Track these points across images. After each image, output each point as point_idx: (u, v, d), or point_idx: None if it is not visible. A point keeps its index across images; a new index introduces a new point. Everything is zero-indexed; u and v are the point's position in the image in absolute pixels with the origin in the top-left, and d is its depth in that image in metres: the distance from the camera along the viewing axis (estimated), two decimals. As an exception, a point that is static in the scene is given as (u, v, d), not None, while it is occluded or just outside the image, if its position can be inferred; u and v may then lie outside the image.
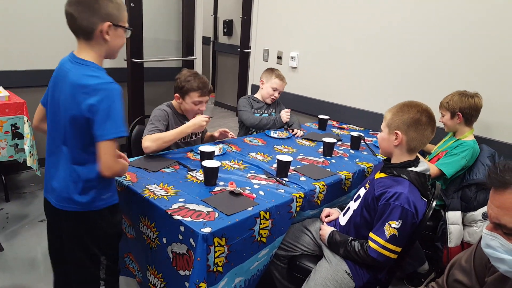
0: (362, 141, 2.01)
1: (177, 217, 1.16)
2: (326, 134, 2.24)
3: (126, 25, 1.13)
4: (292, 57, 2.87)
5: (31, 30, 2.63)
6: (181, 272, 1.18)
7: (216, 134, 1.95)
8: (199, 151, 1.58)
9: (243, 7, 4.80)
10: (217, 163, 1.41)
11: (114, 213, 1.21)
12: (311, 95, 2.81)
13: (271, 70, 2.30)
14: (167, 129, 1.73)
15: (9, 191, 2.46)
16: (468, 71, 2.04)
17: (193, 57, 3.52)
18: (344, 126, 2.52)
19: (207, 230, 1.10)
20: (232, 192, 1.35)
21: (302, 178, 1.55)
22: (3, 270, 1.79)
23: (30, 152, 2.15)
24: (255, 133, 2.30)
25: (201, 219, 1.16)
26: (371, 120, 2.47)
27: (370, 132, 2.42)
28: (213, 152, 1.58)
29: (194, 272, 1.11)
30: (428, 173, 1.34)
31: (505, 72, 1.92)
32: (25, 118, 2.19)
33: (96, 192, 1.13)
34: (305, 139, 2.14)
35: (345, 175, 1.65)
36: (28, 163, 2.16)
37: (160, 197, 1.28)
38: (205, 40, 5.06)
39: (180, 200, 1.27)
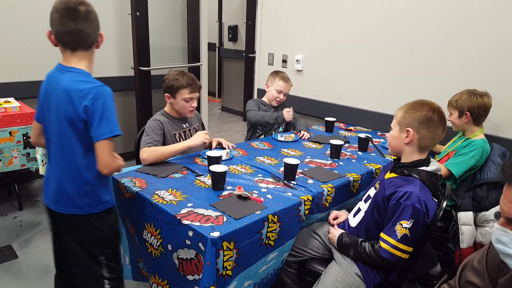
0: (370, 142, 2.00)
1: (186, 221, 1.17)
2: (333, 136, 2.23)
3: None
4: (297, 60, 2.88)
5: (40, 41, 2.69)
6: (189, 277, 1.19)
7: (214, 144, 1.92)
8: (206, 156, 1.59)
9: (248, 12, 4.84)
10: (224, 167, 1.42)
11: (111, 214, 1.28)
12: (317, 98, 2.81)
13: (275, 73, 2.32)
14: (164, 138, 1.76)
15: (22, 200, 2.51)
16: (478, 69, 2.02)
17: (199, 64, 3.55)
18: (352, 127, 2.50)
19: (216, 234, 1.11)
20: (240, 196, 1.35)
21: (310, 181, 1.55)
22: (17, 277, 1.83)
23: (42, 160, 2.20)
24: (262, 136, 2.31)
25: (210, 224, 1.17)
26: (378, 121, 2.46)
27: (378, 133, 2.40)
28: (221, 157, 1.59)
29: (204, 276, 1.11)
30: (439, 173, 1.33)
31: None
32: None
33: (97, 195, 1.20)
34: (312, 141, 2.14)
35: (354, 177, 1.64)
36: (41, 172, 2.20)
37: (169, 202, 1.29)
38: (211, 46, 5.11)
39: (189, 205, 1.28)
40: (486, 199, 1.67)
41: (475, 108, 1.78)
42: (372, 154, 1.97)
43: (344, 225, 1.50)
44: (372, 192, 1.41)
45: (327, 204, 1.53)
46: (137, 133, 1.99)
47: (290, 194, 1.41)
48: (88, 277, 1.28)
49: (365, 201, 1.43)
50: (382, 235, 1.27)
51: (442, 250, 1.84)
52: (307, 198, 1.40)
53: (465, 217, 1.70)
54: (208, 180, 1.47)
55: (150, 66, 3.10)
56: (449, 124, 1.85)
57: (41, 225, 2.31)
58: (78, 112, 1.11)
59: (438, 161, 1.93)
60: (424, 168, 1.30)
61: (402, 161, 1.36)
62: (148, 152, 1.61)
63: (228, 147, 1.88)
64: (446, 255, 1.82)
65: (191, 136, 1.90)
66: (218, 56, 5.79)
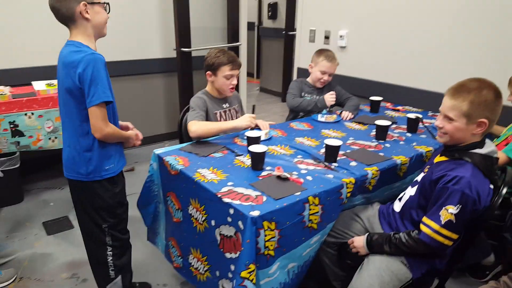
0: (420, 123, 1.86)
1: (226, 199, 1.20)
2: (379, 116, 2.11)
3: (102, 0, 1.26)
4: (340, 36, 2.73)
5: (33, 28, 2.62)
6: (227, 255, 1.22)
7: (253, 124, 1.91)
8: (245, 137, 1.59)
9: (288, -13, 4.66)
10: (263, 147, 1.41)
11: (115, 184, 1.35)
12: (362, 76, 2.66)
13: (320, 52, 2.20)
14: (206, 115, 1.79)
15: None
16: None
17: (238, 43, 3.53)
18: (400, 107, 2.35)
19: (255, 213, 1.12)
20: (279, 177, 1.34)
21: (353, 163, 1.49)
22: (73, 244, 2.02)
23: (49, 138, 2.26)
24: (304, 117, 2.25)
25: (250, 203, 1.18)
26: (429, 101, 2.27)
27: (429, 114, 2.23)
28: (260, 137, 1.59)
29: (243, 253, 1.13)
30: (495, 155, 1.20)
31: None
32: (28, 113, 2.18)
33: (98, 162, 1.29)
34: (355, 122, 2.04)
35: (401, 160, 1.54)
36: (47, 147, 2.25)
37: (210, 180, 1.32)
38: (250, 26, 5.03)
39: (229, 184, 1.30)
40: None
41: None
42: (423, 136, 1.84)
43: (387, 209, 1.43)
44: (420, 177, 1.33)
45: (371, 187, 1.47)
46: (179, 113, 2.04)
47: (331, 176, 1.37)
48: (92, 243, 1.40)
49: (412, 186, 1.35)
50: (424, 219, 1.20)
51: (497, 240, 1.70)
52: (350, 181, 1.35)
53: (527, 206, 1.54)
54: (247, 160, 1.48)
55: (191, 47, 3.13)
56: (509, 103, 1.66)
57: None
58: (74, 81, 1.18)
59: (496, 145, 1.75)
60: (477, 150, 1.18)
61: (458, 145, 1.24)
62: (197, 125, 1.66)
63: (266, 129, 1.87)
64: (501, 245, 1.69)
65: (231, 116, 1.91)
66: (258, 35, 5.70)
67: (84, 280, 1.79)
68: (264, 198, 1.21)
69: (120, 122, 1.44)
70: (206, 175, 1.36)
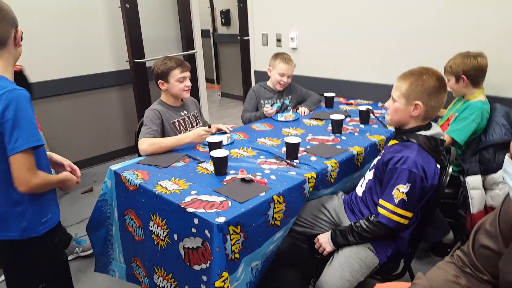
0: (371, 114, 1.96)
1: (190, 209, 1.17)
2: (334, 111, 2.19)
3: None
4: (291, 38, 2.81)
5: None
6: (196, 267, 1.18)
7: (213, 130, 1.90)
8: (207, 142, 1.58)
9: (238, -7, 4.71)
10: (225, 152, 1.40)
11: (54, 235, 1.16)
12: (315, 74, 2.75)
13: (276, 55, 2.24)
14: (163, 127, 1.75)
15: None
16: (474, 31, 1.94)
17: (193, 51, 3.50)
18: (352, 101, 2.46)
19: (221, 219, 1.11)
20: (243, 180, 1.34)
21: (313, 158, 1.53)
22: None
23: None
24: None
25: (215, 210, 1.16)
26: (378, 93, 2.40)
27: (379, 105, 2.35)
28: (221, 142, 1.58)
29: (214, 263, 1.11)
30: (441, 137, 1.30)
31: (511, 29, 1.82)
32: None
33: (33, 216, 1.08)
34: (312, 118, 2.11)
35: (357, 151, 1.61)
36: None
37: (172, 191, 1.29)
38: (205, 33, 5.01)
39: (193, 192, 1.28)
40: (493, 161, 1.64)
41: (470, 70, 1.72)
42: (374, 126, 1.94)
43: (351, 197, 1.49)
44: (376, 160, 1.41)
45: (332, 180, 1.52)
46: (137, 126, 1.98)
47: (293, 173, 1.40)
48: None
49: (370, 170, 1.42)
50: (380, 201, 1.26)
51: (453, 217, 1.83)
52: (311, 176, 1.39)
53: (473, 181, 1.68)
54: (210, 166, 1.47)
55: (145, 58, 3.06)
56: (449, 89, 1.81)
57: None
58: None
59: (440, 125, 1.89)
60: (422, 132, 1.27)
61: (403, 128, 1.33)
62: (147, 143, 1.61)
63: (228, 130, 1.87)
64: (458, 222, 1.81)
65: (190, 123, 1.88)
66: (213, 42, 5.70)
67: None
68: (230, 203, 1.20)
69: (55, 156, 1.24)
70: (168, 186, 1.32)
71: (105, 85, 3.16)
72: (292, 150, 1.52)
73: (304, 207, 1.44)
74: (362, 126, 1.95)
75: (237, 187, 1.31)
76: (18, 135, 0.97)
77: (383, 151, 1.40)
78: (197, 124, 1.93)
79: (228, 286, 1.10)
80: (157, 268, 1.35)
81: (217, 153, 1.39)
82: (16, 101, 0.97)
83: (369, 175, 1.41)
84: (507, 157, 0.79)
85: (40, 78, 2.64)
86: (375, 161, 1.41)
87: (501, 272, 0.88)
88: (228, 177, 1.38)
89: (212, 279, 1.10)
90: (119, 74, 3.21)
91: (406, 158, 1.21)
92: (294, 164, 1.48)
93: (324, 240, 1.35)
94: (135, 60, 3.00)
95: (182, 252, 1.22)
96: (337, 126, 1.82)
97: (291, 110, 2.24)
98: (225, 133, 1.87)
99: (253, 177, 1.35)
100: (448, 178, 1.28)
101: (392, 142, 1.36)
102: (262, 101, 2.26)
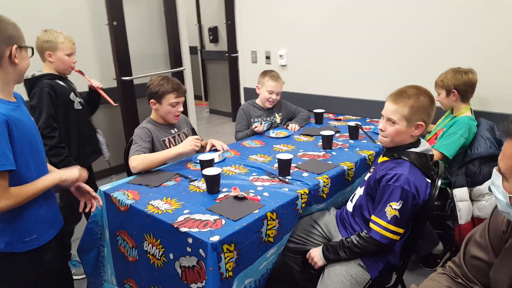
0: (360, 129, 2.01)
1: (184, 229, 1.15)
2: (324, 127, 2.23)
3: (27, 44, 1.10)
4: (280, 55, 2.87)
5: None
6: (193, 286, 1.17)
7: (208, 146, 1.90)
8: (198, 161, 1.57)
9: (226, 12, 4.81)
10: (217, 170, 1.40)
11: (42, 254, 1.14)
12: (304, 91, 2.80)
13: (264, 73, 2.28)
14: (152, 145, 1.73)
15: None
16: (462, 47, 2.03)
17: (182, 68, 3.52)
18: (341, 117, 2.51)
19: (215, 238, 1.09)
20: (236, 197, 1.34)
21: (305, 174, 1.54)
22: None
23: None
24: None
25: (209, 228, 1.15)
26: (366, 108, 2.46)
27: (367, 120, 2.41)
28: (213, 159, 1.58)
29: (208, 282, 1.09)
30: (430, 153, 1.34)
31: (498, 46, 1.90)
32: None
33: (13, 233, 1.07)
34: (303, 134, 2.13)
35: (348, 166, 1.64)
36: None
37: (164, 211, 1.27)
38: (193, 50, 5.06)
39: (185, 212, 1.26)
40: (479, 173, 1.69)
41: (461, 85, 1.80)
42: (364, 141, 1.97)
43: (342, 212, 1.50)
44: (367, 176, 1.42)
45: (324, 195, 1.53)
46: (125, 144, 1.96)
47: (286, 189, 1.41)
48: None
49: (361, 186, 1.44)
50: (373, 217, 1.28)
51: (442, 229, 1.86)
52: (304, 192, 1.40)
53: (460, 193, 1.72)
54: (202, 185, 1.45)
55: (132, 75, 3.05)
56: (438, 104, 1.88)
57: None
58: None
59: (427, 140, 1.95)
60: (413, 149, 1.31)
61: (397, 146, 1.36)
62: (137, 160, 1.58)
63: (222, 148, 1.87)
64: (446, 233, 1.84)
65: (181, 141, 1.88)
66: (201, 58, 5.75)
67: None
68: (223, 221, 1.19)
69: (82, 185, 1.24)
70: (160, 206, 1.30)
71: (92, 103, 3.13)
72: (284, 167, 1.53)
73: (297, 224, 1.43)
74: (351, 141, 1.98)
75: (230, 205, 1.30)
76: None
77: (373, 167, 1.42)
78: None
79: None
80: (154, 286, 1.32)
81: (209, 171, 1.39)
82: None
83: (360, 191, 1.42)
84: (495, 170, 0.82)
85: (26, 96, 2.59)
86: (366, 178, 1.43)
87: (492, 282, 0.90)
88: (221, 195, 1.37)
89: None
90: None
91: (399, 175, 1.23)
92: (287, 180, 1.48)
93: (316, 254, 1.35)
94: (123, 77, 2.98)
95: (179, 271, 1.20)
96: (328, 142, 1.85)
97: (284, 126, 2.27)
98: (216, 150, 1.86)
99: (246, 195, 1.35)
100: (437, 191, 1.31)
101: (382, 159, 1.38)
102: (252, 120, 2.28)
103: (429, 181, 1.31)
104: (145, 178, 1.54)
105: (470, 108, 1.87)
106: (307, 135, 2.12)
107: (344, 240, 1.31)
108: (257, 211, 1.24)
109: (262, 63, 3.01)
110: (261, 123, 2.21)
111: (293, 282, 1.54)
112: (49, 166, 1.24)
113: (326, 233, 1.49)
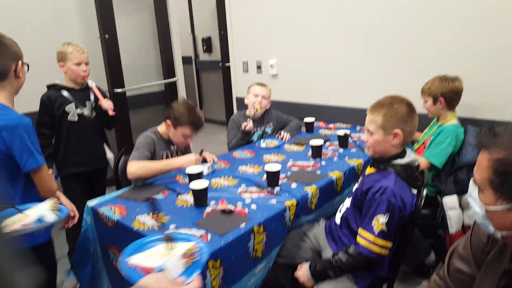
0: (349, 138, 2.01)
1: (169, 245, 1.14)
2: (314, 136, 2.23)
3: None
4: (271, 65, 2.89)
5: None
6: None
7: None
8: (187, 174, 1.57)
9: (219, 22, 4.85)
10: (205, 183, 1.39)
11: (50, 246, 1.28)
12: (295, 100, 2.81)
13: (251, 84, 2.31)
14: (152, 157, 1.72)
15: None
16: (447, 55, 2.05)
17: (175, 79, 3.53)
18: (331, 125, 2.52)
19: (200, 254, 1.08)
20: (223, 211, 1.33)
21: (294, 185, 1.54)
22: None
23: None
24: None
25: (194, 244, 1.14)
26: (356, 116, 2.47)
27: (357, 128, 2.41)
28: (202, 172, 1.57)
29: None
30: (416, 164, 1.34)
31: (485, 53, 1.92)
32: None
33: None
34: (293, 144, 2.13)
35: (336, 176, 1.63)
36: None
37: (151, 227, 1.26)
38: (187, 60, 5.08)
39: (171, 226, 1.25)
40: (467, 181, 1.67)
41: (448, 93, 1.81)
42: (353, 150, 1.98)
43: (331, 223, 1.49)
44: (355, 188, 1.42)
45: (313, 207, 1.52)
46: (116, 156, 1.95)
47: (274, 201, 1.40)
48: None
49: (349, 197, 1.43)
50: (360, 231, 1.26)
51: (433, 238, 1.85)
52: (292, 204, 1.39)
53: (450, 201, 1.72)
54: (190, 198, 1.45)
55: (125, 87, 3.06)
56: (424, 111, 1.89)
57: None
58: None
59: (416, 149, 1.95)
60: (398, 161, 1.31)
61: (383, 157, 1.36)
62: (137, 166, 1.57)
63: (213, 160, 1.86)
64: (438, 242, 1.83)
65: (177, 152, 1.87)
66: (196, 68, 5.78)
67: None
68: (209, 236, 1.18)
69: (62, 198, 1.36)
70: (146, 222, 1.29)
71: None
72: (273, 178, 1.53)
73: (286, 237, 1.42)
74: (341, 150, 1.99)
75: (217, 219, 1.29)
76: None
77: (361, 178, 1.42)
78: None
79: None
80: None
81: (197, 184, 1.38)
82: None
83: (347, 202, 1.42)
84: (471, 181, 0.82)
85: (20, 109, 2.58)
86: (353, 189, 1.43)
87: None
88: (208, 209, 1.37)
89: None
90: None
91: (384, 188, 1.23)
92: (275, 192, 1.48)
93: (303, 275, 1.32)
94: (115, 90, 2.99)
95: None
96: (317, 152, 1.85)
97: (275, 135, 2.27)
98: (205, 161, 1.86)
99: (233, 208, 1.34)
100: (423, 201, 1.31)
101: (369, 170, 1.38)
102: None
103: (415, 191, 1.31)
104: (133, 193, 1.53)
105: (456, 116, 1.88)
106: (297, 144, 2.12)
107: (332, 259, 1.29)
108: (243, 224, 1.24)
109: (253, 72, 3.03)
110: (247, 121, 2.19)
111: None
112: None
113: (315, 245, 1.48)
